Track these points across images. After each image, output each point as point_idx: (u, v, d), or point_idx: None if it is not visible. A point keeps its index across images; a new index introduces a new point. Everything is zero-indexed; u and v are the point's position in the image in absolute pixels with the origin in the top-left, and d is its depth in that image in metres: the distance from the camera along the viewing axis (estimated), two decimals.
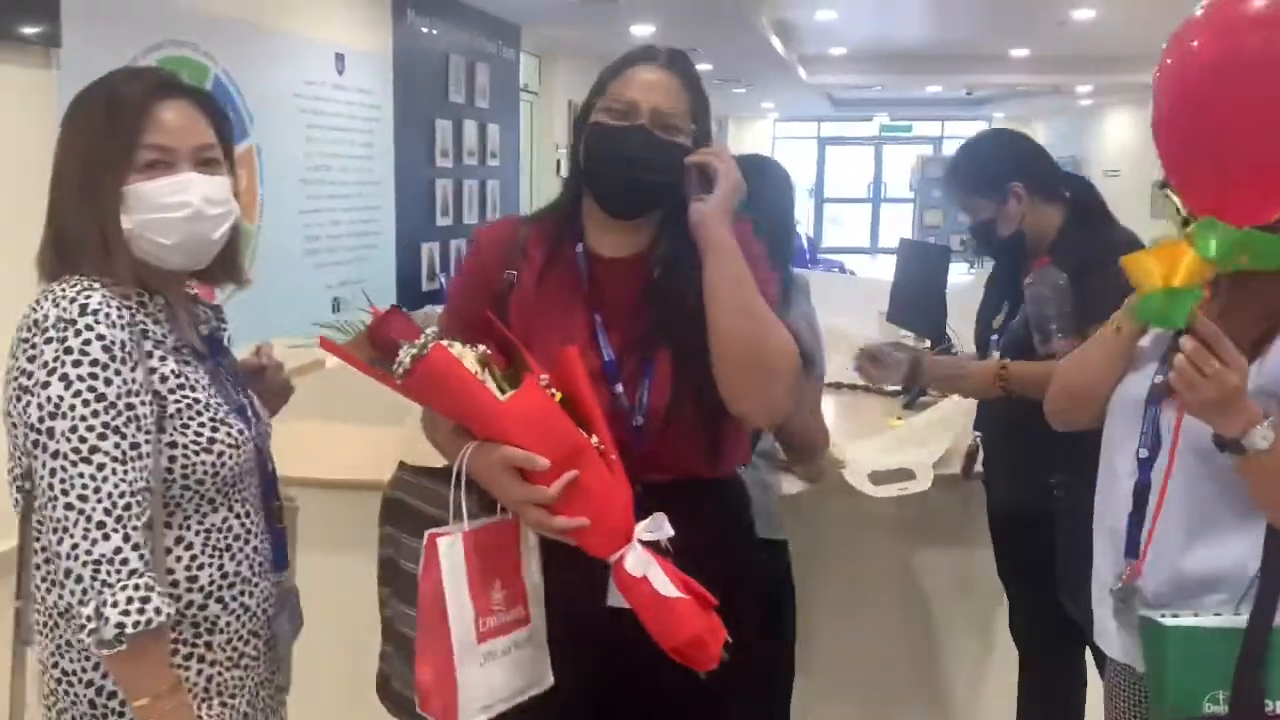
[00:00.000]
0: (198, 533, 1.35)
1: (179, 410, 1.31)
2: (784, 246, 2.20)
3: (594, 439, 1.37)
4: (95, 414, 1.23)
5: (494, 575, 1.40)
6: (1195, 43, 1.38)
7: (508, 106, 8.94)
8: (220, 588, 1.36)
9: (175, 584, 1.33)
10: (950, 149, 22.09)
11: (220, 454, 1.34)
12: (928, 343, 3.44)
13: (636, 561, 1.32)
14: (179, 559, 1.34)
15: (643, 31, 9.41)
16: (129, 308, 1.30)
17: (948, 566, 2.58)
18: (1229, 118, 1.34)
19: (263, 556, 1.42)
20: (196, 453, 1.32)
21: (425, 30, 7.30)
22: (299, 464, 1.90)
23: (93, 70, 1.40)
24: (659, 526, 1.35)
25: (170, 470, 1.31)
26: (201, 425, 1.33)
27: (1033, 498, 2.15)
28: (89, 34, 4.09)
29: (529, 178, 9.82)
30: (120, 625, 1.20)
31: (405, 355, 1.34)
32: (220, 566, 1.36)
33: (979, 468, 2.37)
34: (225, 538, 1.37)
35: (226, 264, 1.43)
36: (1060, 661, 2.31)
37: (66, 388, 1.23)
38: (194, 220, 1.32)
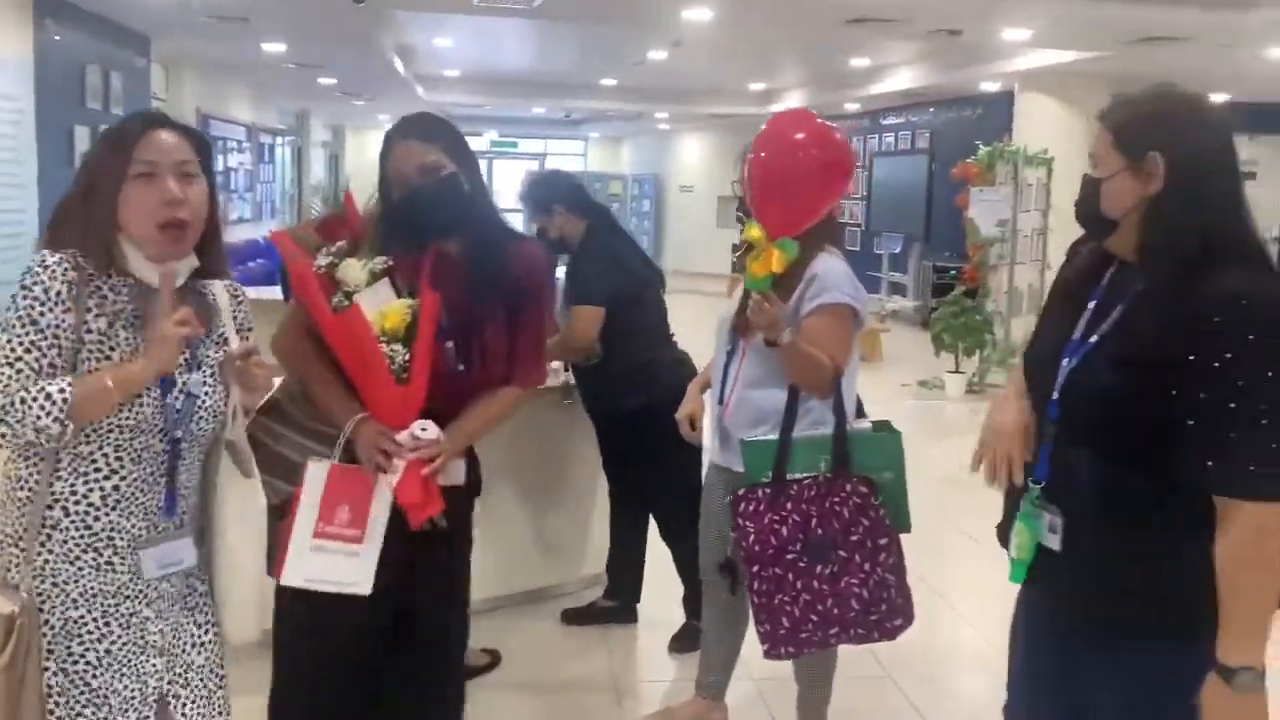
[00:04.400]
0: (68, 455, 1.60)
1: (87, 356, 1.59)
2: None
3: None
4: (26, 334, 1.56)
5: (344, 501, 2.01)
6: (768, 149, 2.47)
7: None
8: (68, 501, 1.60)
9: (50, 480, 1.59)
10: (552, 164, 23.93)
11: None
12: None
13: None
14: (56, 469, 1.60)
15: (274, 49, 9.90)
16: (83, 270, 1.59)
17: (564, 447, 3.94)
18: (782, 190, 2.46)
19: (125, 496, 1.62)
20: None
21: (62, 39, 7.54)
22: None
23: None
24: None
25: None
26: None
27: (598, 405, 3.59)
28: None
29: None
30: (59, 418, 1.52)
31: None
32: (73, 486, 1.61)
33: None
34: (85, 465, 1.60)
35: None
36: (632, 505, 3.75)
37: (14, 311, 1.58)
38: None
